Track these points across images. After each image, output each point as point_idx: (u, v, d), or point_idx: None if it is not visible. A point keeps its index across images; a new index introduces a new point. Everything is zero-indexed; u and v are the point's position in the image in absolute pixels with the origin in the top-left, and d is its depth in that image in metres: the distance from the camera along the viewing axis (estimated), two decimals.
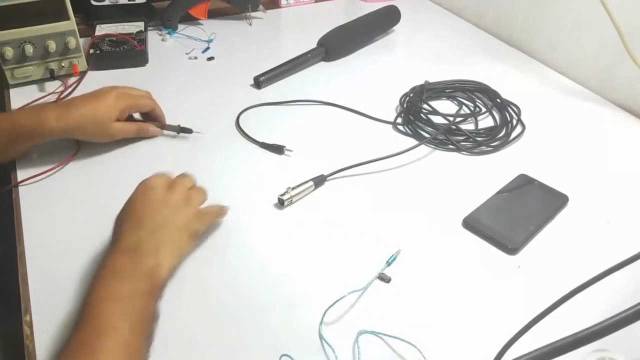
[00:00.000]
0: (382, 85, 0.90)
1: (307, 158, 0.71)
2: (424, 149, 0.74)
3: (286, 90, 0.87)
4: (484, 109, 0.83)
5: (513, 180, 0.68)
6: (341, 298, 0.50)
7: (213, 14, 1.09)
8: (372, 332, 0.48)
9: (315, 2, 1.21)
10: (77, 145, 0.69)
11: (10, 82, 0.82)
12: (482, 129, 0.78)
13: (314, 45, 0.96)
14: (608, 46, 0.83)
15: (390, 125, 0.79)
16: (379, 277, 0.54)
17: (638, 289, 0.53)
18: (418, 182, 0.68)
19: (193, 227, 0.52)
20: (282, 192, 0.62)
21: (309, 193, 0.64)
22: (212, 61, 0.95)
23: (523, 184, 0.67)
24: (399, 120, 0.80)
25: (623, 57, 0.79)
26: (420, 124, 0.77)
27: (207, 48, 0.98)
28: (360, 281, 0.53)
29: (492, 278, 0.55)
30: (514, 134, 0.77)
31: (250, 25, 1.09)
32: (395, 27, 1.08)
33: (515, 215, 0.62)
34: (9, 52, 0.79)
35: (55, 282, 0.52)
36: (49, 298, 0.51)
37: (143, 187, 0.52)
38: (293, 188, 0.63)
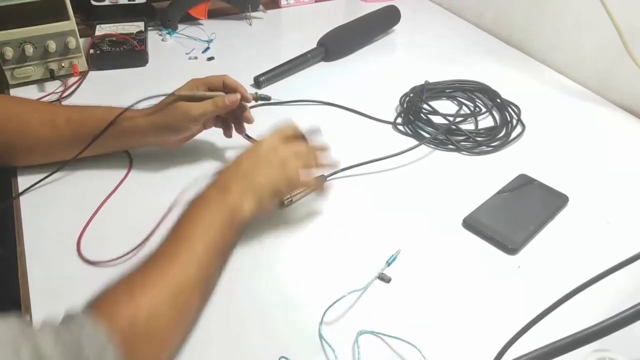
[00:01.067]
0: (382, 85, 0.90)
1: None
2: (424, 149, 0.74)
3: (286, 90, 0.87)
4: (484, 109, 0.83)
5: (513, 180, 0.68)
6: (341, 298, 0.50)
7: (213, 14, 1.09)
8: (372, 332, 0.48)
9: (315, 2, 1.21)
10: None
11: (11, 82, 0.82)
12: (482, 129, 0.78)
13: (314, 45, 0.96)
14: (608, 46, 0.83)
15: (390, 125, 0.79)
16: (379, 277, 0.54)
17: (638, 289, 0.53)
18: (418, 182, 0.68)
19: (278, 189, 0.56)
20: None
21: (309, 193, 0.64)
22: (212, 61, 0.95)
23: (523, 184, 0.67)
24: (399, 120, 0.80)
25: (623, 57, 0.79)
26: (420, 124, 0.77)
27: (207, 48, 0.98)
28: (360, 281, 0.53)
29: (492, 278, 0.55)
30: (514, 134, 0.77)
31: (250, 25, 1.09)
32: (395, 27, 1.08)
33: (515, 215, 0.62)
34: (9, 52, 0.79)
35: (55, 282, 0.52)
36: (49, 298, 0.51)
37: (258, 144, 0.57)
38: None
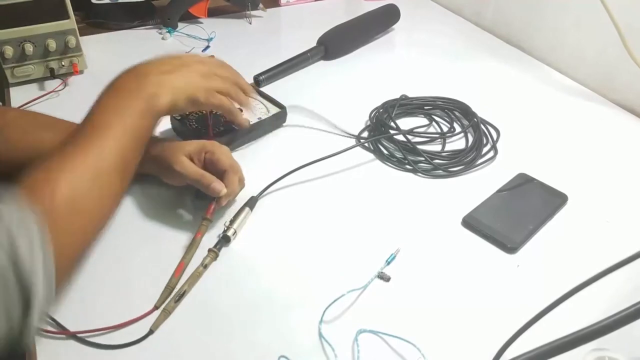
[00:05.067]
0: (382, 84, 0.90)
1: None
2: None
3: (285, 89, 0.87)
4: (458, 129, 0.76)
5: (512, 179, 0.68)
6: (341, 297, 0.51)
7: (213, 13, 1.09)
8: (372, 331, 0.48)
9: (315, 0, 1.21)
10: None
11: (11, 80, 0.82)
12: (446, 151, 0.72)
13: (313, 44, 0.96)
14: (608, 46, 0.83)
15: (354, 140, 0.75)
16: (378, 276, 0.54)
17: (637, 288, 0.53)
18: (418, 181, 0.68)
19: (194, 95, 0.55)
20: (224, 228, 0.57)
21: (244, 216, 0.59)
22: None
23: (522, 183, 0.67)
24: (365, 134, 0.76)
25: (624, 56, 0.79)
26: (384, 142, 0.73)
27: (207, 47, 0.98)
28: (359, 280, 0.53)
29: (491, 277, 0.55)
30: (480, 160, 0.71)
31: (250, 23, 1.09)
32: (394, 26, 1.08)
33: (515, 214, 0.62)
34: (9, 50, 0.79)
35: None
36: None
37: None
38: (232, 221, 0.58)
